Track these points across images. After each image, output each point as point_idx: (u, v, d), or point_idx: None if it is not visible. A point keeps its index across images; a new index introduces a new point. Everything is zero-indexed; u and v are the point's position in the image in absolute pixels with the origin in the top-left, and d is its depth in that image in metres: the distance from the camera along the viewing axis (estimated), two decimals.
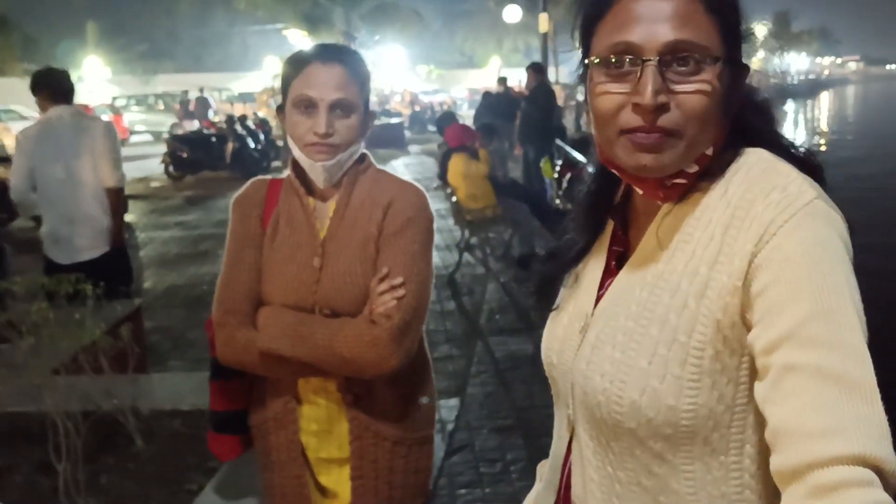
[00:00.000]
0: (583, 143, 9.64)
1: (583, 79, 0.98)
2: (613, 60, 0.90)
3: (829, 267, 0.81)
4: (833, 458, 0.71)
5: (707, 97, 0.88)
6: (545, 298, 1.13)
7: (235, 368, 1.79)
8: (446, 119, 8.05)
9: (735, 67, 0.93)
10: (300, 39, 26.05)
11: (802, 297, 0.79)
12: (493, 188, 7.04)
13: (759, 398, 0.82)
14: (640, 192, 0.99)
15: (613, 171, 0.99)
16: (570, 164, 8.25)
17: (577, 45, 1.00)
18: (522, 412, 4.15)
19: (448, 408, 4.21)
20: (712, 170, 0.94)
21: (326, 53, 1.70)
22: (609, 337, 0.96)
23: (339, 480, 1.80)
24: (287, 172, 1.82)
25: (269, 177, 1.89)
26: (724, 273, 0.86)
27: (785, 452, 0.76)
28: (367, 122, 1.75)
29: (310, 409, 1.77)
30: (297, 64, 1.69)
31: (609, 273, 1.05)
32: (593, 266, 1.08)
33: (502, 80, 13.54)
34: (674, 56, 0.88)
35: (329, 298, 1.69)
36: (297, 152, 1.71)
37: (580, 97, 1.09)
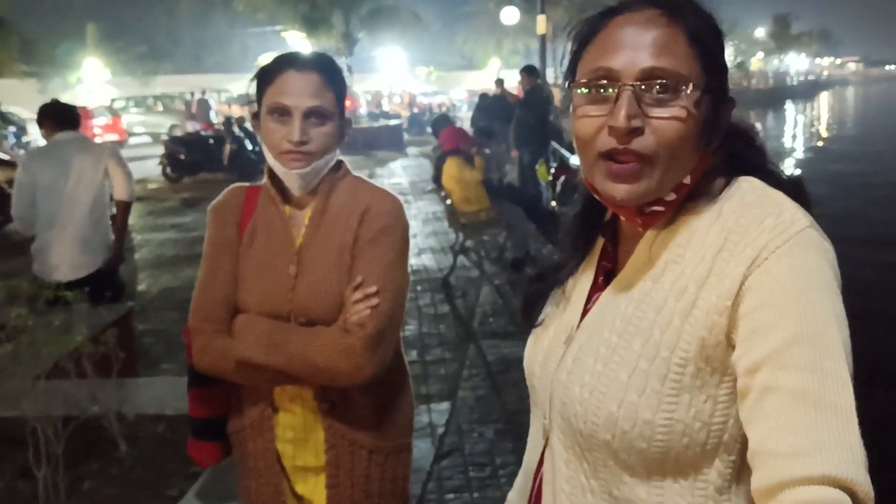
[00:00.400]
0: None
1: (567, 99, 1.01)
2: (593, 85, 0.93)
3: (817, 293, 0.83)
4: (806, 478, 0.73)
5: (682, 123, 0.90)
6: (530, 316, 1.15)
7: (211, 375, 1.79)
8: (441, 122, 8.04)
9: (717, 97, 0.94)
10: (299, 41, 26.04)
11: (788, 320, 0.81)
12: (487, 191, 7.04)
13: (742, 418, 0.84)
14: (623, 218, 1.01)
15: (592, 191, 1.01)
16: (565, 166, 8.25)
17: (565, 72, 1.02)
18: (513, 416, 4.14)
19: (439, 411, 4.21)
20: (698, 194, 0.96)
21: (301, 61, 1.69)
22: (592, 349, 0.98)
23: (315, 489, 1.79)
24: (264, 180, 1.82)
25: (246, 184, 1.89)
26: (714, 293, 0.87)
27: (761, 471, 0.78)
28: (342, 130, 1.75)
29: (286, 416, 1.77)
30: (271, 71, 1.69)
31: (597, 288, 1.07)
32: (582, 281, 1.10)
33: (499, 82, 13.46)
34: (651, 82, 0.90)
35: (304, 307, 1.69)
36: (271, 160, 1.71)
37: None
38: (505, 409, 4.25)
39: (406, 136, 22.21)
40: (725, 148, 0.99)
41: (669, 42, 0.91)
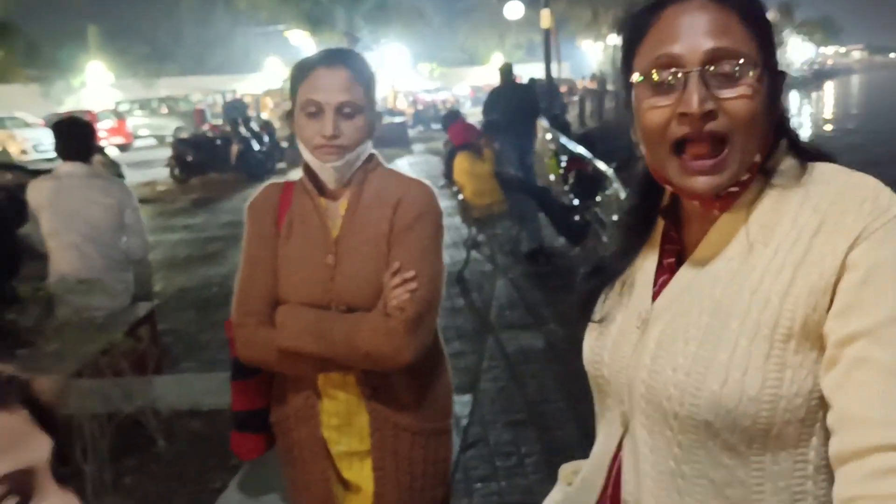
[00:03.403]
0: (587, 139, 9.65)
1: (626, 100, 1.02)
2: (657, 75, 0.94)
3: None
4: (893, 445, 0.77)
5: (751, 101, 0.91)
6: (587, 312, 1.15)
7: (256, 367, 1.83)
8: (451, 118, 8.07)
9: (773, 74, 0.96)
10: (302, 40, 26.11)
11: (886, 300, 0.85)
12: (499, 184, 7.07)
13: (826, 385, 0.87)
14: (697, 203, 1.01)
15: (665, 185, 1.02)
16: (575, 159, 8.26)
17: (620, 71, 1.03)
18: (535, 406, 4.18)
19: (461, 403, 4.24)
20: (769, 173, 0.98)
21: (330, 58, 1.73)
22: (679, 332, 0.98)
23: (361, 474, 1.83)
24: (299, 174, 1.86)
25: (281, 180, 1.92)
26: (815, 273, 0.89)
27: (848, 436, 0.82)
28: (373, 123, 1.78)
29: (330, 403, 1.80)
30: (303, 70, 1.73)
31: (663, 271, 1.07)
32: (645, 267, 1.10)
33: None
34: (715, 64, 0.91)
35: (344, 295, 1.72)
36: (307, 155, 1.75)
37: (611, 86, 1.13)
38: (527, 400, 4.28)
39: (411, 133, 22.25)
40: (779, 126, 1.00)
41: (725, 24, 0.92)
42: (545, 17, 16.06)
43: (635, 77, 0.97)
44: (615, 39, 1.06)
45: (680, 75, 0.92)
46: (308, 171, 1.80)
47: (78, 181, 3.71)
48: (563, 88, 17.33)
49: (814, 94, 42.79)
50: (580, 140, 8.61)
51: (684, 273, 1.02)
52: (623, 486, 1.07)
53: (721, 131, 0.92)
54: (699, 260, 1.01)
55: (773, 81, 0.96)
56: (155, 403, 3.05)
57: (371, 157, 1.82)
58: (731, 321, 0.93)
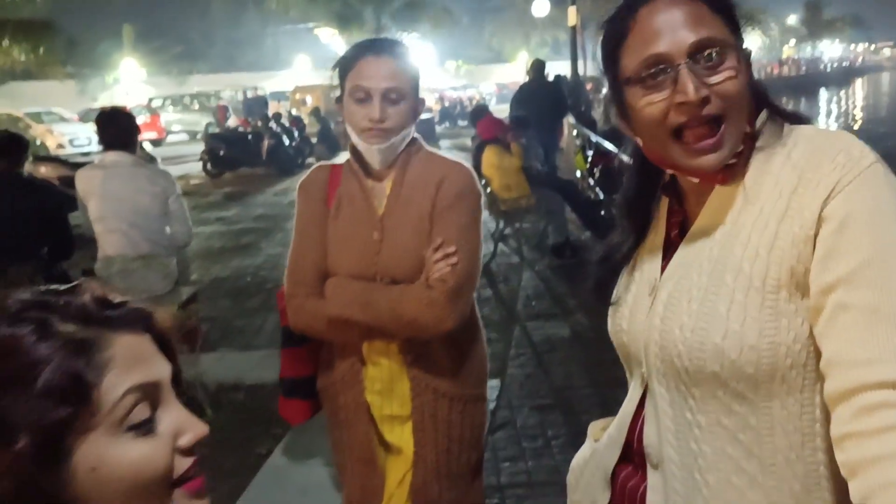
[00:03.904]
0: (613, 134, 9.67)
1: (615, 100, 1.12)
2: (648, 73, 1.02)
3: (887, 223, 0.92)
4: (878, 382, 0.85)
5: (737, 80, 1.01)
6: (604, 295, 1.26)
7: (305, 335, 1.97)
8: (479, 112, 8.19)
9: (746, 52, 1.07)
10: (331, 38, 26.33)
11: (861, 246, 0.91)
12: (527, 179, 7.17)
13: (816, 333, 0.95)
14: (697, 180, 1.10)
15: (669, 169, 1.13)
16: (601, 154, 8.34)
17: (603, 71, 1.12)
18: (561, 392, 4.28)
19: (490, 388, 4.35)
20: (754, 139, 1.07)
21: (378, 47, 1.86)
22: (684, 293, 1.06)
23: (402, 436, 1.96)
24: (346, 157, 1.99)
25: (329, 163, 2.05)
26: (796, 225, 0.97)
27: (836, 378, 0.89)
28: (416, 109, 1.91)
29: (374, 370, 1.94)
30: (351, 58, 1.86)
31: (670, 242, 1.17)
32: (653, 241, 1.20)
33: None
34: (699, 53, 1.01)
35: (389, 268, 1.86)
36: (354, 138, 1.88)
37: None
38: (553, 385, 4.38)
39: (438, 129, 22.37)
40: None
41: (698, 15, 1.01)
42: (571, 15, 16.07)
43: (625, 78, 1.06)
44: None
45: (670, 70, 1.01)
46: (355, 153, 1.93)
47: (124, 170, 3.83)
48: (589, 85, 17.32)
49: (843, 92, 42.17)
50: (606, 135, 8.66)
51: (687, 242, 1.12)
52: (644, 439, 1.17)
53: (716, 113, 1.01)
54: (699, 228, 1.11)
55: (746, 57, 1.06)
56: (202, 378, 3.21)
57: (414, 140, 1.94)
58: (727, 277, 1.02)
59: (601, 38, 1.12)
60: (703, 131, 1.02)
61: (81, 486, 0.71)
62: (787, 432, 1.02)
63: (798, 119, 1.11)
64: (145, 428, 0.75)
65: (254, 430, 3.44)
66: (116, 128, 3.95)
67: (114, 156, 3.86)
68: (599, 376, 4.35)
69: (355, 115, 1.84)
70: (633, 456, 1.22)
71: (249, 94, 25.04)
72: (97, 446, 0.72)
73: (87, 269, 3.87)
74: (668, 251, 1.16)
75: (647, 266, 1.18)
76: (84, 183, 3.87)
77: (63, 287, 0.80)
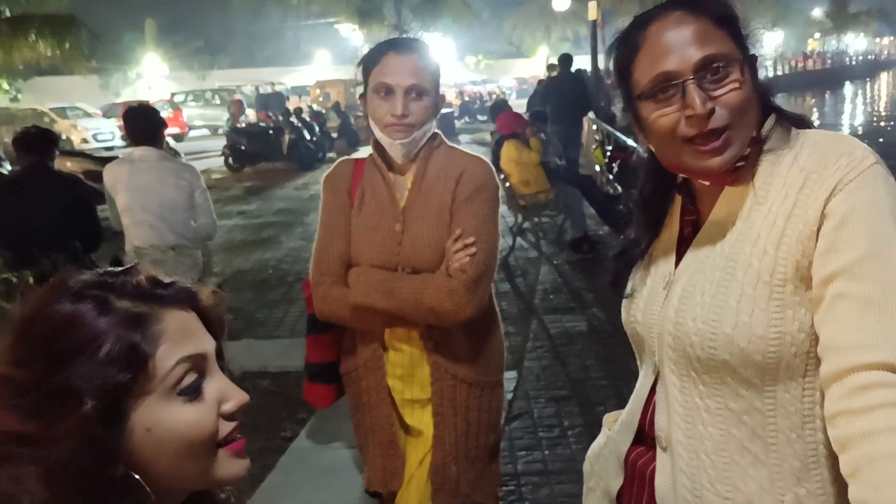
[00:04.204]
0: (631, 129, 9.63)
1: (629, 110, 1.20)
2: (658, 89, 1.10)
3: (884, 220, 1.00)
4: (868, 364, 0.93)
5: (741, 91, 1.08)
6: (619, 288, 1.34)
7: (330, 322, 2.05)
8: (499, 107, 8.24)
9: (750, 60, 1.13)
10: (351, 33, 26.45)
11: (859, 241, 0.99)
12: (545, 174, 7.22)
13: (815, 321, 1.03)
14: (708, 182, 1.18)
15: (682, 174, 1.21)
16: (620, 149, 8.37)
17: (616, 85, 1.20)
18: (577, 383, 4.35)
19: (507, 380, 4.41)
20: (762, 142, 1.14)
21: (401, 45, 1.94)
22: (697, 287, 1.14)
23: (422, 419, 2.04)
24: (366, 151, 2.07)
25: (352, 157, 2.13)
26: (801, 222, 1.05)
27: (831, 361, 0.97)
28: (438, 104, 1.98)
29: (395, 355, 2.02)
30: (375, 55, 1.94)
31: (682, 240, 1.25)
32: (667, 238, 1.28)
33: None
34: (705, 69, 1.08)
35: (410, 258, 1.94)
36: (377, 132, 1.95)
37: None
38: (570, 378, 4.45)
39: (457, 124, 22.40)
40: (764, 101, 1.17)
41: (703, 31, 1.08)
42: (592, 9, 16.09)
43: (638, 94, 1.13)
44: None
45: (678, 86, 1.08)
46: (378, 147, 2.01)
47: (151, 164, 3.92)
48: (609, 80, 17.28)
49: (868, 86, 41.63)
50: (625, 130, 8.69)
51: (699, 239, 1.20)
52: (655, 424, 1.25)
53: (722, 125, 1.08)
54: (711, 226, 1.19)
55: (752, 65, 1.14)
56: (229, 365, 3.30)
57: (435, 135, 2.02)
58: (737, 272, 1.10)
59: (613, 54, 1.19)
60: (711, 137, 1.09)
61: (138, 445, 0.79)
62: (789, 413, 1.10)
63: (804, 123, 1.18)
64: (194, 394, 0.84)
65: (279, 415, 3.56)
66: (143, 123, 4.05)
67: (141, 151, 3.96)
68: (615, 369, 4.42)
69: (379, 111, 1.91)
70: (644, 438, 1.30)
71: (267, 90, 25.14)
72: (152, 409, 0.80)
73: (116, 258, 3.97)
74: (682, 247, 1.24)
75: (662, 261, 1.26)
76: (112, 177, 3.97)
77: (118, 269, 0.88)
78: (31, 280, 3.37)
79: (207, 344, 0.89)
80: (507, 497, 3.18)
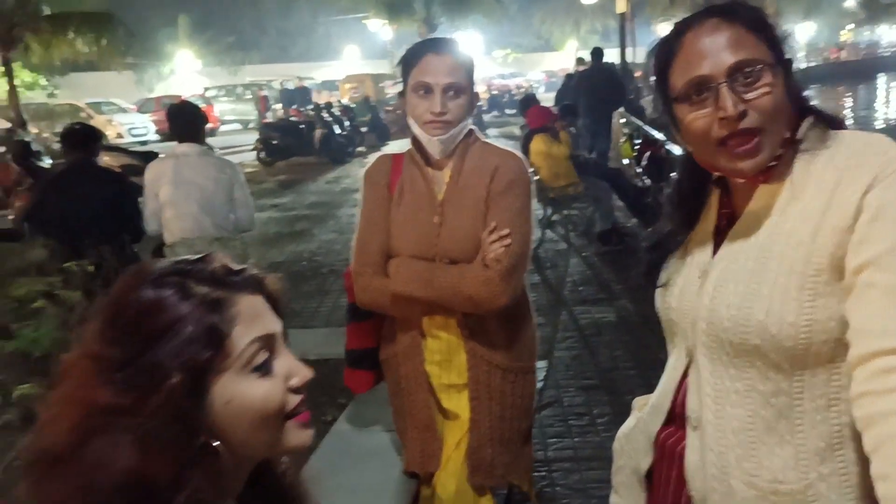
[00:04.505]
0: (660, 122, 9.63)
1: (666, 112, 1.26)
2: (693, 93, 1.16)
3: None
4: (891, 349, 0.98)
5: (772, 95, 1.14)
6: (652, 278, 1.40)
7: (370, 310, 2.15)
8: (528, 102, 8.29)
9: (784, 63, 1.19)
10: (381, 28, 26.54)
11: (890, 234, 1.04)
12: (575, 167, 7.27)
13: (846, 309, 1.07)
14: (742, 180, 1.25)
15: (716, 172, 1.27)
16: (649, 142, 8.38)
17: (655, 89, 1.27)
18: (607, 373, 4.41)
19: (538, 369, 4.50)
20: (798, 143, 1.20)
21: (439, 45, 2.04)
22: (731, 276, 1.20)
23: (459, 403, 2.13)
24: (395, 146, 2.15)
25: (391, 152, 2.22)
26: (837, 216, 1.09)
27: (857, 345, 1.03)
28: (473, 102, 2.07)
29: (433, 342, 2.12)
30: (414, 56, 2.03)
31: (719, 231, 1.31)
32: (704, 229, 1.35)
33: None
34: (738, 73, 1.13)
35: (447, 249, 2.03)
36: (416, 129, 2.04)
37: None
38: (598, 367, 4.51)
39: (486, 118, 22.43)
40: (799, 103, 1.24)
41: (737, 37, 1.14)
42: (621, 2, 16.01)
43: (674, 97, 1.20)
44: None
45: (712, 89, 1.14)
46: (416, 143, 2.10)
47: (193, 159, 4.05)
48: (637, 73, 17.21)
49: None
50: (653, 123, 8.70)
51: (735, 231, 1.27)
52: (687, 406, 1.31)
53: (754, 126, 1.13)
54: (747, 219, 1.25)
55: (786, 69, 1.20)
56: None
57: (470, 131, 2.10)
58: (771, 263, 1.16)
59: (651, 60, 1.27)
60: (743, 139, 1.16)
61: (218, 416, 0.88)
62: (815, 397, 1.16)
63: (840, 125, 1.24)
64: (265, 370, 0.92)
65: (320, 400, 3.69)
66: (187, 120, 4.18)
67: (184, 147, 4.08)
68: (643, 358, 4.47)
69: (418, 109, 2.00)
70: (675, 419, 1.36)
71: (291, 85, 25.29)
72: (229, 384, 0.89)
73: (158, 248, 4.11)
74: (718, 239, 1.30)
75: (699, 251, 1.32)
76: (155, 173, 4.07)
77: (193, 257, 0.98)
78: (90, 268, 3.51)
79: (275, 325, 0.97)
80: (539, 482, 3.26)
